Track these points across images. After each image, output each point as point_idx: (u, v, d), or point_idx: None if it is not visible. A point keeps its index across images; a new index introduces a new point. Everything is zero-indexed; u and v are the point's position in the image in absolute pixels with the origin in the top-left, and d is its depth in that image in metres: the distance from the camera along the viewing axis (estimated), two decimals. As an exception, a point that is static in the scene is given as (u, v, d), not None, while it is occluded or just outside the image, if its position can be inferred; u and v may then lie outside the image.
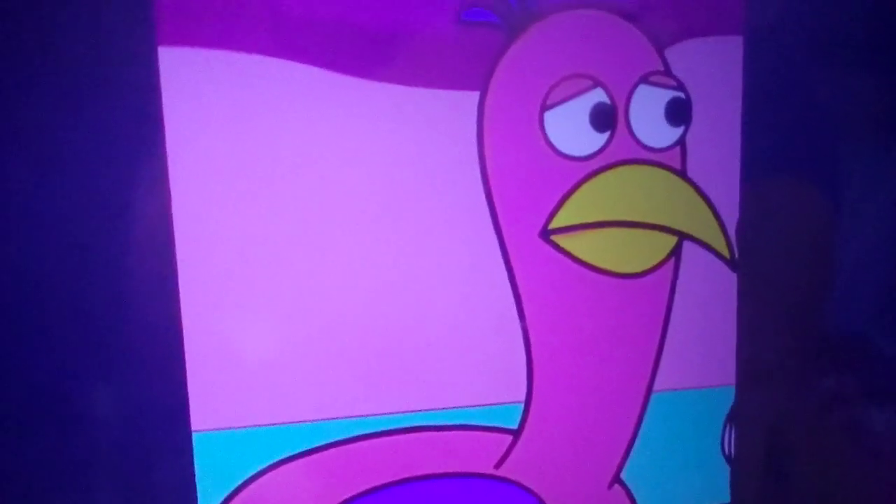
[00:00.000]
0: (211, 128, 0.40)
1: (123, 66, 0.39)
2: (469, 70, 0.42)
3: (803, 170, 0.47)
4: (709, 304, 0.47)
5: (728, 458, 0.48)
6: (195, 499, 0.42)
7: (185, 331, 0.41)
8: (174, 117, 0.39)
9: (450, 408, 0.44)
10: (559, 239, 0.44)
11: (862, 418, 0.48)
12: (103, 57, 0.39)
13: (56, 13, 0.38)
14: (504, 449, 0.45)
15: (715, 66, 0.45)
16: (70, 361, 0.40)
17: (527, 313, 0.44)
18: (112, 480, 0.41)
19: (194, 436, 0.41)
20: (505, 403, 0.45)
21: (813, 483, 0.48)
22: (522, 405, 0.45)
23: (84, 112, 0.39)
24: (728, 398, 0.47)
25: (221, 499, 0.42)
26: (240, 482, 0.42)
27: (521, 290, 0.44)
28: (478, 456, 0.45)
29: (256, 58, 0.40)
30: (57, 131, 0.39)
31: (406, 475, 0.44)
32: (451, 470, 0.44)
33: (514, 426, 0.45)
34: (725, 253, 0.46)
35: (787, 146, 0.47)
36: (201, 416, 0.41)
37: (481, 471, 0.45)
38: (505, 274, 0.44)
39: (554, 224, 0.44)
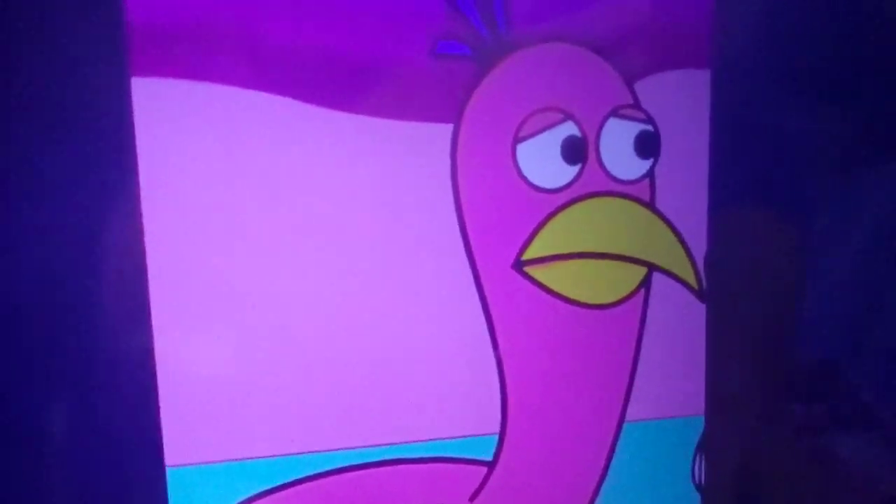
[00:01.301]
0: (184, 159, 0.40)
1: (97, 97, 0.39)
2: (443, 103, 0.42)
3: (771, 200, 0.48)
4: (678, 334, 0.47)
5: (698, 487, 0.48)
6: (168, 535, 0.41)
7: (158, 365, 0.40)
8: (147, 148, 0.39)
9: (424, 440, 0.44)
10: (532, 270, 0.44)
11: (830, 445, 0.49)
12: (76, 87, 0.38)
13: (29, 43, 0.38)
14: (479, 480, 0.45)
15: (683, 99, 0.46)
16: (42, 396, 0.39)
17: (500, 344, 0.44)
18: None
19: (168, 471, 0.41)
20: (479, 435, 0.45)
21: (783, 510, 0.49)
22: (497, 436, 0.45)
23: (57, 142, 0.38)
24: (698, 427, 0.48)
25: (194, 535, 0.42)
26: (212, 518, 0.42)
27: (495, 321, 0.44)
28: (453, 488, 0.45)
29: (230, 89, 0.40)
30: (31, 161, 0.38)
31: (381, 508, 0.44)
32: (426, 502, 0.44)
33: (489, 457, 0.45)
34: (694, 283, 0.47)
35: (754, 177, 0.47)
36: (175, 451, 0.41)
37: (456, 503, 0.45)
38: (479, 304, 0.44)
39: (527, 255, 0.44)
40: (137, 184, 0.39)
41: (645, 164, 0.46)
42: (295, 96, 0.41)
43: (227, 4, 0.39)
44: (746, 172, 0.47)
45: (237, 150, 0.40)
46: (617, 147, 0.45)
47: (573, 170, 0.44)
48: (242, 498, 0.42)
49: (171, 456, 0.41)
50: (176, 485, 0.41)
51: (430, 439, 0.44)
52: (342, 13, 0.40)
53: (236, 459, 0.42)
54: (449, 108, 0.43)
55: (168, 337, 0.40)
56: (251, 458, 0.42)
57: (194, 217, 0.40)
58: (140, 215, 0.39)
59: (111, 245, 0.39)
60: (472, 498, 0.45)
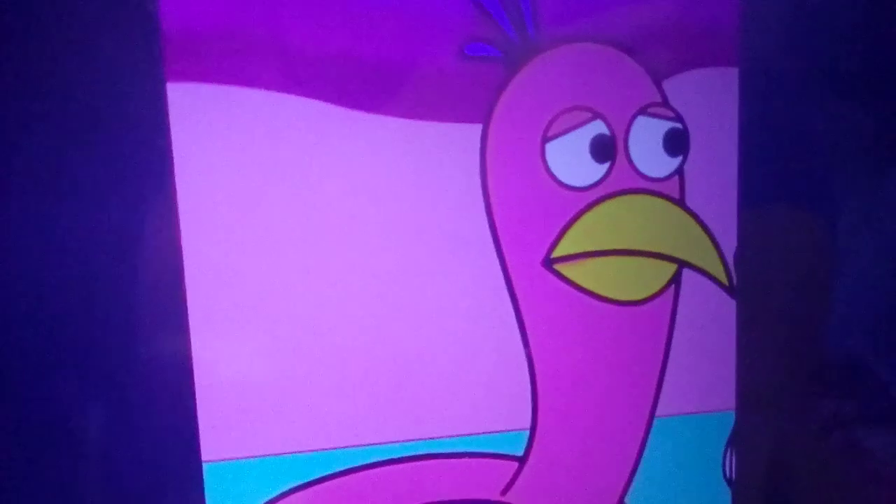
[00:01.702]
0: (219, 162, 0.41)
1: (132, 102, 0.40)
2: (472, 103, 0.43)
3: (800, 197, 0.48)
4: (708, 329, 0.47)
5: (729, 482, 0.48)
6: (205, 529, 0.42)
7: (195, 361, 0.41)
8: (183, 152, 0.40)
9: (456, 435, 0.44)
10: (561, 267, 0.45)
11: (861, 441, 0.49)
12: (112, 93, 0.39)
13: (66, 50, 0.39)
14: (510, 476, 0.45)
15: (711, 97, 0.46)
16: (80, 392, 0.40)
17: (531, 341, 0.45)
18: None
19: (205, 466, 0.42)
20: (510, 430, 0.45)
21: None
22: (528, 432, 0.45)
23: (94, 148, 0.39)
24: (728, 422, 0.48)
25: (231, 529, 0.43)
26: (249, 512, 0.43)
27: (525, 318, 0.45)
28: (484, 483, 0.45)
29: (263, 93, 0.41)
30: (67, 167, 0.39)
31: (413, 502, 0.44)
32: (457, 497, 0.45)
33: (520, 453, 0.45)
34: (724, 280, 0.47)
35: (783, 174, 0.47)
36: (212, 446, 0.42)
37: (487, 497, 0.45)
38: (509, 302, 0.44)
39: (556, 253, 0.45)
40: (173, 187, 0.40)
41: (674, 162, 0.46)
42: (326, 99, 0.41)
43: (259, 10, 0.40)
44: (775, 169, 0.47)
45: (270, 153, 0.41)
46: (646, 145, 0.45)
47: (602, 168, 0.45)
48: (277, 492, 0.43)
49: (207, 451, 0.42)
50: (212, 480, 0.42)
51: (462, 435, 0.44)
52: (372, 17, 0.41)
53: (272, 454, 0.42)
54: (478, 109, 0.43)
55: (204, 334, 0.41)
56: (286, 453, 0.43)
57: (229, 219, 0.41)
58: (176, 218, 0.40)
59: (148, 247, 0.40)
60: (504, 493, 0.45)
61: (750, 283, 0.47)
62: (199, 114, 0.40)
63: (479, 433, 0.45)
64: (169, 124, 0.40)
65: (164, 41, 0.39)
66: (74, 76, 0.39)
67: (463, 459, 0.45)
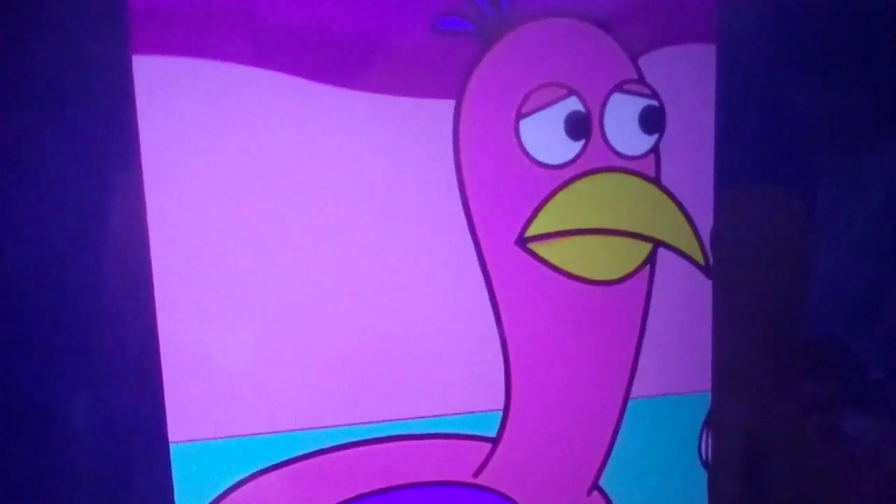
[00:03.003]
0: (185, 136, 0.40)
1: (98, 75, 0.39)
2: (445, 78, 0.42)
3: (776, 176, 0.48)
4: (684, 310, 0.47)
5: (705, 464, 0.48)
6: (173, 511, 0.42)
7: (161, 341, 0.40)
8: (149, 125, 0.39)
9: (428, 416, 0.44)
10: (536, 246, 0.44)
11: (837, 422, 0.49)
12: (78, 65, 0.38)
13: (31, 22, 0.38)
14: (483, 457, 0.45)
15: (688, 74, 0.45)
16: (45, 371, 0.40)
17: (504, 320, 0.44)
18: (89, 492, 0.41)
19: (172, 447, 0.41)
20: (483, 411, 0.45)
21: (789, 487, 0.49)
22: (501, 413, 0.45)
23: (59, 120, 0.38)
24: (704, 404, 0.48)
25: (199, 511, 0.42)
26: (218, 493, 0.42)
27: (499, 298, 0.44)
28: (457, 464, 0.45)
29: (231, 66, 0.40)
30: (31, 139, 0.38)
31: (385, 485, 0.44)
32: (429, 479, 0.44)
33: (493, 434, 0.45)
34: (700, 259, 0.47)
35: (760, 153, 0.47)
36: (178, 427, 0.41)
37: (460, 479, 0.45)
38: (482, 281, 0.44)
39: (530, 232, 0.44)
40: (139, 162, 0.39)
41: (650, 140, 0.45)
42: (296, 73, 0.40)
43: (227, -19, 0.39)
44: (752, 148, 0.47)
45: (238, 127, 0.40)
46: (621, 122, 0.45)
47: (577, 145, 0.44)
48: (246, 473, 0.42)
49: (174, 432, 0.41)
50: (180, 461, 0.41)
51: (435, 415, 0.44)
52: (343, -11, 0.40)
53: (240, 435, 0.42)
54: (451, 84, 0.42)
55: (171, 314, 0.40)
56: (255, 434, 0.42)
57: (196, 194, 0.40)
58: (142, 193, 0.40)
59: (114, 224, 0.40)
60: (476, 474, 0.45)
61: (726, 263, 0.47)
62: (166, 87, 0.39)
63: (451, 414, 0.44)
64: (135, 97, 0.39)
65: (130, 13, 0.38)
66: (38, 48, 0.38)
67: (435, 441, 0.44)
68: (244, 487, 0.42)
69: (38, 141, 0.39)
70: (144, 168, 0.39)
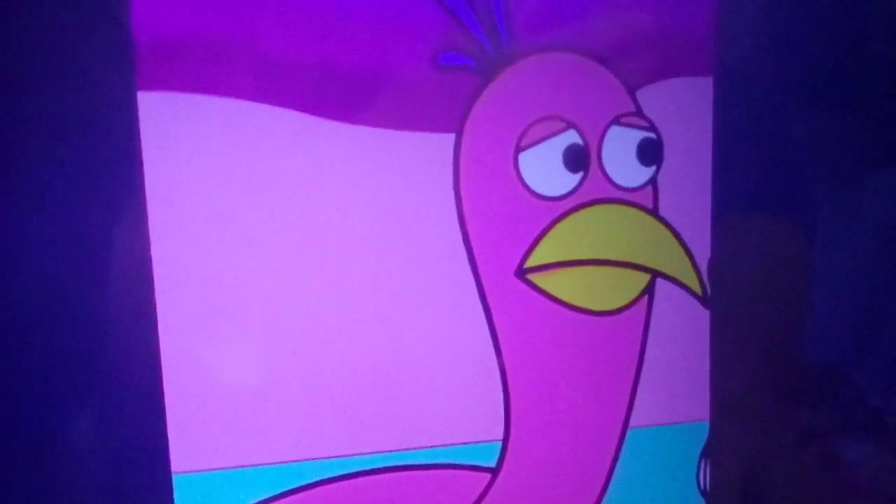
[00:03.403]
0: (190, 172, 0.40)
1: (103, 110, 0.39)
2: (445, 113, 0.43)
3: (773, 207, 0.48)
4: (682, 340, 0.47)
5: (703, 493, 0.48)
6: (175, 542, 0.42)
7: (164, 372, 0.41)
8: (153, 161, 0.40)
9: (428, 447, 0.44)
10: (535, 277, 0.45)
11: (837, 451, 0.49)
12: (83, 101, 0.39)
13: (36, 56, 0.39)
14: (482, 487, 0.45)
15: (685, 107, 0.46)
16: (49, 402, 0.40)
17: (504, 351, 0.45)
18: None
19: (174, 477, 0.42)
20: (483, 442, 0.45)
21: (788, 516, 0.49)
22: (500, 443, 0.45)
23: (64, 156, 0.39)
24: (702, 433, 0.48)
25: (201, 541, 0.42)
26: (219, 524, 0.42)
27: (498, 329, 0.44)
28: (456, 495, 0.45)
29: (235, 102, 0.40)
30: (36, 174, 0.39)
31: (385, 515, 0.44)
32: (429, 509, 0.45)
33: (492, 464, 0.45)
34: (697, 290, 0.47)
35: (756, 184, 0.48)
36: (181, 458, 0.41)
37: (460, 509, 0.45)
38: (482, 312, 0.44)
39: (529, 263, 0.45)
40: (144, 195, 0.40)
41: (647, 172, 0.46)
42: (299, 108, 0.41)
43: (232, 19, 0.40)
44: (749, 179, 0.47)
45: (242, 162, 0.41)
46: (619, 155, 0.45)
47: (575, 178, 0.45)
48: (248, 504, 0.43)
49: (177, 462, 0.42)
50: (182, 491, 0.42)
51: (434, 446, 0.44)
52: (346, 26, 0.41)
53: (241, 466, 0.42)
54: (451, 119, 0.43)
55: (174, 344, 0.41)
56: (256, 464, 0.42)
57: (200, 227, 0.41)
58: (146, 228, 0.40)
59: (118, 255, 0.40)
60: (476, 504, 0.45)
61: (723, 292, 0.47)
62: (171, 123, 0.40)
63: (451, 444, 0.44)
64: (140, 133, 0.40)
65: (136, 49, 0.39)
66: (45, 83, 0.39)
67: (435, 471, 0.44)
68: (246, 517, 0.43)
69: (42, 177, 0.39)
70: (149, 203, 0.40)
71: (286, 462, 0.43)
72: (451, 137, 0.43)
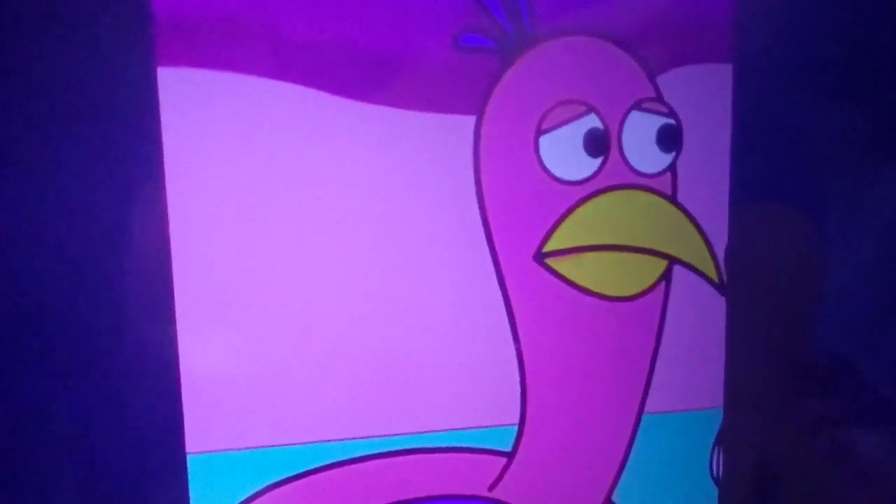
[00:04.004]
0: (209, 148, 0.40)
1: (123, 86, 0.39)
2: (466, 95, 0.42)
3: (791, 195, 0.48)
4: (698, 327, 0.47)
5: (716, 480, 0.48)
6: (190, 523, 0.42)
7: (180, 352, 0.41)
8: (173, 137, 0.39)
9: (444, 430, 0.44)
10: (553, 262, 0.45)
11: (849, 441, 0.49)
12: (103, 76, 0.39)
13: (56, 32, 0.38)
14: (498, 471, 0.45)
15: (705, 94, 0.46)
16: (64, 381, 0.40)
17: (521, 335, 0.44)
18: (105, 502, 0.41)
19: (189, 458, 0.41)
20: (499, 426, 0.45)
21: (801, 503, 0.49)
22: (516, 427, 0.45)
23: (83, 133, 0.39)
24: (716, 420, 0.48)
25: (216, 523, 0.42)
26: (234, 504, 0.42)
27: (516, 313, 0.44)
28: (472, 478, 0.45)
29: (256, 79, 0.40)
30: (56, 150, 0.39)
31: (400, 498, 0.44)
32: (445, 492, 0.44)
33: (508, 448, 0.45)
34: (714, 277, 0.47)
35: (774, 172, 0.47)
36: (196, 438, 0.41)
37: (475, 493, 0.45)
38: (500, 296, 0.44)
39: (548, 247, 0.44)
40: (162, 172, 0.40)
41: (667, 158, 0.46)
42: (319, 87, 0.41)
43: (253, -5, 0.39)
44: (767, 167, 0.47)
45: (261, 140, 0.40)
46: (639, 140, 0.45)
47: (595, 162, 0.44)
48: (262, 486, 0.42)
49: (191, 443, 0.41)
50: (197, 472, 0.41)
51: (450, 429, 0.44)
52: (367, 4, 0.41)
53: (257, 447, 0.42)
54: (472, 100, 0.43)
55: (191, 325, 0.41)
56: (272, 445, 0.42)
57: (218, 206, 0.40)
58: (165, 204, 0.40)
59: (136, 235, 0.40)
60: (491, 488, 0.45)
61: (740, 280, 0.47)
62: (190, 99, 0.39)
63: (467, 428, 0.44)
64: (159, 109, 0.39)
65: (156, 25, 0.39)
66: (64, 60, 0.38)
67: (451, 454, 0.44)
68: (261, 499, 0.42)
69: (61, 155, 0.39)
70: (167, 180, 0.40)
71: (301, 444, 0.42)
72: (472, 119, 0.43)
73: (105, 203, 0.39)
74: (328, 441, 0.43)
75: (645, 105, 0.45)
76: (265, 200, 0.41)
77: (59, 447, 0.40)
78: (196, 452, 0.41)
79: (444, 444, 0.44)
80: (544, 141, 0.44)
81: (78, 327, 0.40)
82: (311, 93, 0.41)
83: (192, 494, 0.41)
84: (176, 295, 0.40)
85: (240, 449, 0.42)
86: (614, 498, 0.47)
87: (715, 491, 0.48)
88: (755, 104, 0.46)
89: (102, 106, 0.39)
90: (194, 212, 0.40)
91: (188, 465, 0.41)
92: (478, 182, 0.43)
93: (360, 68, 0.41)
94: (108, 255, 0.40)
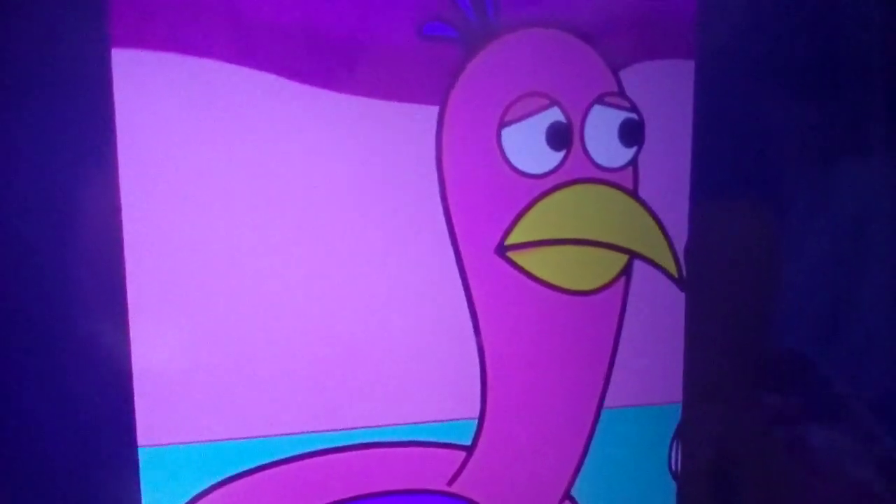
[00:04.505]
0: (164, 132, 0.39)
1: (76, 67, 0.38)
2: (429, 84, 0.42)
3: (751, 192, 0.48)
4: (658, 322, 0.47)
5: (674, 475, 0.48)
6: (140, 518, 0.41)
7: (132, 342, 0.39)
8: (126, 120, 0.38)
9: (403, 424, 0.43)
10: (515, 255, 0.44)
11: (804, 437, 0.49)
12: (56, 57, 0.38)
13: (9, 12, 0.37)
14: (457, 466, 0.45)
15: (667, 89, 0.46)
16: (13, 370, 0.38)
17: (482, 328, 0.44)
18: (53, 495, 0.39)
19: (140, 451, 0.40)
20: (459, 419, 0.44)
21: (758, 497, 0.49)
22: (476, 421, 0.45)
23: (35, 111, 0.37)
24: (675, 415, 0.48)
25: (168, 517, 0.41)
26: (187, 500, 0.41)
27: (477, 305, 0.44)
28: (431, 473, 0.44)
29: (214, 63, 0.39)
30: (7, 130, 0.37)
31: (358, 492, 0.43)
32: (403, 487, 0.44)
33: (468, 442, 0.45)
34: (674, 272, 0.47)
35: (735, 169, 0.48)
36: (148, 431, 0.40)
37: (434, 488, 0.44)
38: (461, 288, 0.43)
39: (510, 240, 0.44)
40: (116, 159, 0.38)
41: (629, 153, 0.46)
42: (279, 73, 0.40)
43: (213, -24, 0.39)
44: (728, 163, 0.47)
45: (218, 125, 0.39)
46: (601, 134, 0.45)
47: (558, 156, 0.44)
48: (217, 479, 0.41)
49: (143, 436, 0.40)
50: (148, 465, 0.40)
51: (409, 423, 0.43)
52: (329, -10, 0.40)
53: (211, 441, 0.41)
54: (435, 90, 0.42)
55: (143, 315, 0.39)
56: (226, 439, 0.41)
57: (173, 191, 0.39)
58: (118, 189, 0.39)
59: (87, 220, 0.39)
60: (451, 482, 0.45)
61: (699, 276, 0.47)
62: (146, 83, 0.38)
63: (426, 422, 0.44)
64: (113, 91, 0.38)
65: (111, 5, 0.38)
66: (15, 37, 0.37)
67: (410, 448, 0.44)
68: (214, 494, 0.41)
69: (11, 132, 0.37)
70: (121, 163, 0.39)
71: (257, 437, 0.41)
72: (435, 110, 0.42)
73: (56, 187, 0.38)
74: (285, 435, 0.42)
75: (608, 99, 0.45)
76: (221, 188, 0.40)
77: (8, 438, 0.39)
78: (148, 445, 0.40)
79: (403, 438, 0.43)
80: (507, 133, 0.43)
81: (27, 316, 0.38)
82: (271, 78, 0.40)
83: (143, 489, 0.40)
84: (128, 284, 0.39)
85: (194, 442, 0.41)
86: (573, 492, 0.47)
87: (673, 485, 0.49)
88: (717, 100, 0.46)
89: (55, 88, 0.38)
90: (148, 197, 0.39)
91: (140, 457, 0.40)
92: (440, 172, 0.43)
93: (322, 55, 0.40)
94: (58, 244, 0.38)
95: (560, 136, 0.44)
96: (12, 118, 0.37)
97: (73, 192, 0.38)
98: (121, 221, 0.39)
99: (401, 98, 0.42)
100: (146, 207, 0.39)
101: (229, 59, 0.39)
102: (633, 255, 0.46)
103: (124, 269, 0.39)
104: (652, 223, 0.46)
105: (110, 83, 0.38)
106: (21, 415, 0.39)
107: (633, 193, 0.46)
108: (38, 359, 0.39)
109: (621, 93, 0.45)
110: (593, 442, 0.47)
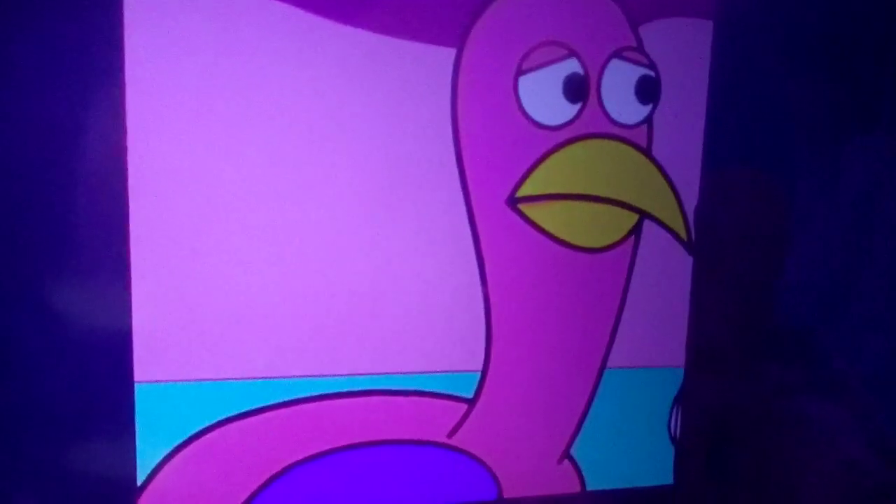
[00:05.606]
0: (175, 63, 0.38)
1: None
2: (448, 25, 0.41)
3: (764, 159, 0.48)
4: (664, 285, 0.46)
5: (673, 439, 0.48)
6: (134, 454, 0.39)
7: (133, 276, 0.38)
8: (135, 48, 0.37)
9: (406, 372, 0.42)
10: (525, 208, 0.43)
11: (803, 407, 0.49)
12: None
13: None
14: (458, 418, 0.44)
15: (685, 48, 0.45)
16: (9, 304, 0.37)
17: (489, 281, 0.43)
18: (47, 430, 0.38)
19: (136, 387, 0.39)
20: (461, 371, 0.43)
21: (753, 467, 0.49)
22: (479, 374, 0.44)
23: (42, 36, 0.36)
24: (677, 379, 0.47)
25: (162, 455, 0.40)
26: (182, 439, 0.40)
27: (486, 256, 0.43)
28: (432, 423, 0.43)
29: (227, -9, 0.38)
30: (11, 52, 0.36)
31: (359, 440, 0.42)
32: (404, 437, 0.43)
33: (469, 395, 0.44)
34: (683, 235, 0.46)
35: (749, 135, 0.47)
36: (145, 367, 0.39)
37: (434, 439, 0.44)
38: (470, 238, 0.43)
39: (521, 192, 0.43)
40: (124, 84, 0.37)
41: (644, 110, 0.45)
42: (299, 5, 0.39)
43: None
44: (741, 129, 0.47)
45: (232, 54, 0.38)
46: (618, 89, 0.44)
47: (574, 108, 0.43)
48: (216, 419, 0.40)
49: (140, 371, 0.39)
50: (144, 402, 0.39)
51: (413, 372, 0.43)
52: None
53: (209, 379, 0.40)
54: (453, 32, 0.41)
55: (145, 247, 0.38)
56: (224, 378, 0.40)
57: (181, 122, 0.38)
58: (124, 114, 0.37)
59: (92, 149, 0.37)
60: (451, 434, 0.44)
61: (708, 241, 0.47)
62: (157, 9, 0.37)
63: (429, 371, 0.43)
64: (123, 17, 0.37)
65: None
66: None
67: (411, 398, 0.43)
68: (209, 435, 0.40)
69: (15, 54, 0.36)
70: (128, 92, 0.37)
71: (259, 378, 0.40)
72: (452, 52, 0.41)
73: (63, 111, 0.37)
74: (284, 377, 0.41)
75: (626, 54, 0.44)
76: (230, 118, 0.38)
77: (4, 372, 0.37)
78: (145, 381, 0.39)
79: (405, 387, 0.43)
80: (524, 82, 0.42)
81: (26, 247, 0.37)
82: (290, 9, 0.39)
83: (138, 425, 0.39)
84: (131, 218, 0.38)
85: (192, 380, 0.39)
86: (573, 451, 0.46)
87: (671, 449, 0.48)
88: (732, 64, 0.46)
89: (65, 12, 0.36)
90: (155, 126, 0.38)
91: (136, 394, 0.39)
92: (454, 117, 0.42)
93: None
94: (61, 170, 0.37)
95: (577, 88, 0.43)
96: (18, 37, 0.36)
97: (79, 111, 0.37)
98: (126, 150, 0.37)
99: (418, 38, 0.41)
100: (153, 135, 0.38)
101: (244, -12, 0.38)
102: (644, 214, 0.46)
103: (127, 200, 0.38)
104: (664, 183, 0.46)
105: (121, 14, 0.37)
106: (16, 347, 0.37)
107: (647, 152, 0.45)
108: (34, 291, 0.37)
109: (639, 48, 0.44)
110: (595, 401, 0.46)
